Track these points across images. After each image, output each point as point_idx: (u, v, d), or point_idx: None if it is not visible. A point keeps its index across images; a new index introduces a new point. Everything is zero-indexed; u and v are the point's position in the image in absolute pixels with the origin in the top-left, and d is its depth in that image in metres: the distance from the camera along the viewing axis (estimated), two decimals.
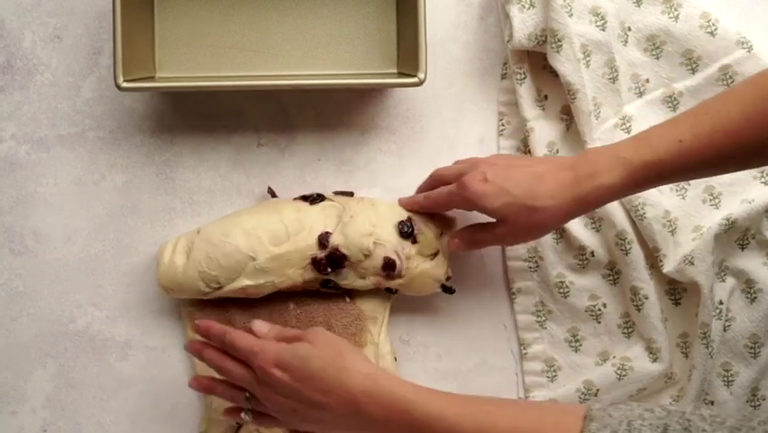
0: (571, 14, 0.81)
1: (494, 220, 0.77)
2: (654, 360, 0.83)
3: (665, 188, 0.85)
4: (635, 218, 0.84)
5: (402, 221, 0.82)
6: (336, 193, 0.85)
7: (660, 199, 0.84)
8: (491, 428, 0.65)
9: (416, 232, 0.82)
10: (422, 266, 0.82)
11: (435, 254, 0.83)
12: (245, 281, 0.80)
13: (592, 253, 0.85)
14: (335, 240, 0.80)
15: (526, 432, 0.64)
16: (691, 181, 0.86)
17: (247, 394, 0.74)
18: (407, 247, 0.81)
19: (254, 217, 0.81)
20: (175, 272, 0.81)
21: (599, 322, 0.85)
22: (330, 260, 0.80)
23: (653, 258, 0.84)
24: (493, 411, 0.66)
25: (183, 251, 0.81)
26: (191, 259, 0.80)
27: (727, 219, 0.83)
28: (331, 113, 0.87)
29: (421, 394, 0.68)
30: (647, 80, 0.86)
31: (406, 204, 0.83)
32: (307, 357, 0.71)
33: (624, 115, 0.85)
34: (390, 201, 0.84)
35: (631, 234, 0.83)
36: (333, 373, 0.70)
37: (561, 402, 0.83)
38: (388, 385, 0.69)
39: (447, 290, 0.84)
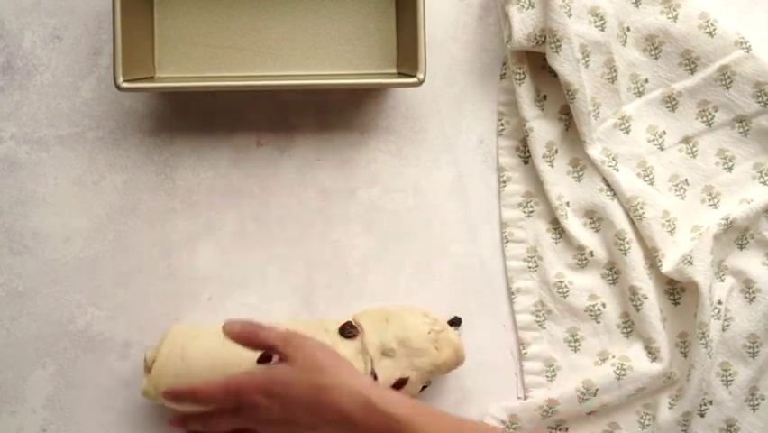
0: (570, 15, 0.81)
1: None
2: (653, 360, 0.83)
3: (664, 187, 0.86)
4: (634, 218, 0.84)
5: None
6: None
7: (659, 199, 0.84)
8: None
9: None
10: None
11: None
12: None
13: (591, 252, 0.85)
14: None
15: None
16: (690, 181, 0.86)
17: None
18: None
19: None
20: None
21: (599, 322, 0.86)
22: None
23: (652, 258, 0.84)
24: None
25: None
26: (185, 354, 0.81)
27: (726, 219, 0.83)
28: (331, 113, 0.87)
29: (417, 419, 0.69)
30: (646, 80, 0.86)
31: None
32: (288, 382, 0.70)
33: (623, 115, 0.86)
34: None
35: (630, 234, 0.84)
36: (316, 396, 0.69)
37: (559, 401, 0.83)
38: (381, 403, 0.69)
39: (455, 322, 0.85)
